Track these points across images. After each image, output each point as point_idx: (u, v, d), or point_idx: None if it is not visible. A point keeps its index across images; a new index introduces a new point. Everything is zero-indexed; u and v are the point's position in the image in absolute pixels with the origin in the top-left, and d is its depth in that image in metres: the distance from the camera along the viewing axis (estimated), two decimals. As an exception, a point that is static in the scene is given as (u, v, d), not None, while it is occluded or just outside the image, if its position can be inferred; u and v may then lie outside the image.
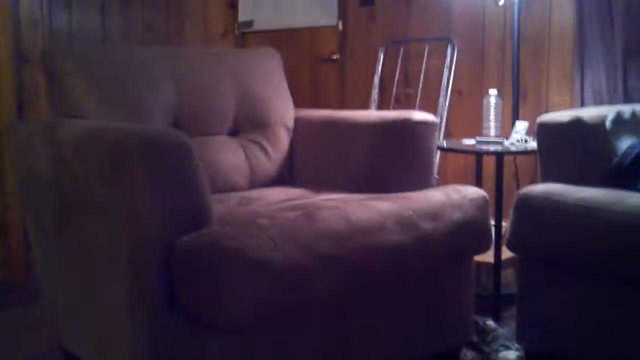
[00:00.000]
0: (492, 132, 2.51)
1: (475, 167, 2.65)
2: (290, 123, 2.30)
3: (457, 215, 1.70)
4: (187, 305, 1.34)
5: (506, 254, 2.20)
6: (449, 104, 2.87)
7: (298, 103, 2.39)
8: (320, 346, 1.53)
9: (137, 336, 1.45)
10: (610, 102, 2.49)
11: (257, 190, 2.05)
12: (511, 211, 1.84)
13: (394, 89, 3.16)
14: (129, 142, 1.35)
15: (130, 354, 1.49)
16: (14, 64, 2.64)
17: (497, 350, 1.91)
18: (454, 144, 2.56)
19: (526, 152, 2.35)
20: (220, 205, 1.71)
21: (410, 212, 1.60)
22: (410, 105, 3.09)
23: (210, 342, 1.35)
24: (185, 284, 1.33)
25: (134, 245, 1.39)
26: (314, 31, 3.54)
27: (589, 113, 1.95)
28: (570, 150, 1.95)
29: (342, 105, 3.33)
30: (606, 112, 1.93)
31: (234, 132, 2.20)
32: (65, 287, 1.73)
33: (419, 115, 2.00)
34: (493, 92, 2.52)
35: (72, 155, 1.54)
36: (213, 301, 1.29)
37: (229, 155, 2.12)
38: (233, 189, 2.07)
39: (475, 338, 1.95)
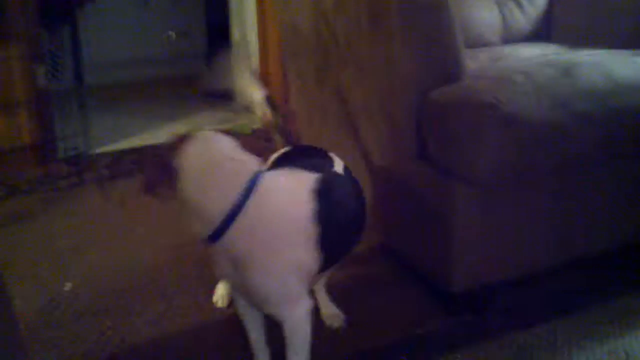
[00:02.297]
0: None
1: None
2: (551, -25, 2.15)
3: None
4: (436, 156, 1.38)
5: None
6: None
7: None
8: (554, 210, 1.47)
9: (386, 178, 1.56)
10: None
11: (510, 46, 1.98)
12: None
13: None
14: (388, -2, 1.38)
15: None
16: None
17: None
18: None
19: None
20: (473, 61, 1.69)
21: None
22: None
23: (454, 190, 1.36)
24: (436, 135, 1.37)
25: (388, 97, 1.45)
26: None
27: None
28: None
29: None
30: None
31: (488, -13, 2.11)
32: (323, 136, 1.88)
33: None
34: None
35: (332, 11, 1.61)
36: (462, 154, 1.31)
37: (483, 11, 2.06)
38: (485, 44, 2.02)
39: None
